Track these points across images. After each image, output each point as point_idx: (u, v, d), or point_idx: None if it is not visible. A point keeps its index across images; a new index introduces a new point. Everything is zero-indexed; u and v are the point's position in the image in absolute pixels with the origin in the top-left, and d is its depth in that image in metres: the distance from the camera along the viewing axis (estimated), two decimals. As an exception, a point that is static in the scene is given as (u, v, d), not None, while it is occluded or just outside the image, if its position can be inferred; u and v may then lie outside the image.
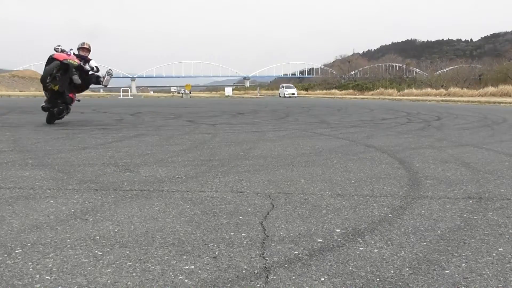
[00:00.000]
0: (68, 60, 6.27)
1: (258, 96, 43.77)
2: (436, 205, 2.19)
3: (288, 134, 5.72)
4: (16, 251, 1.53)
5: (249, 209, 2.08)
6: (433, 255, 1.53)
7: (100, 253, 1.51)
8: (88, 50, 6.92)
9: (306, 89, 60.05)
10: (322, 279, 1.33)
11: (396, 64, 74.18)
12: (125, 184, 2.60)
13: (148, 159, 3.50)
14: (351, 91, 49.24)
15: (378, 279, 1.33)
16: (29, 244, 1.59)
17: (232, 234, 1.73)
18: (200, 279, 1.33)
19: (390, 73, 63.77)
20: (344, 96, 40.35)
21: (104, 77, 7.06)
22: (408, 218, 1.96)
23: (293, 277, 1.34)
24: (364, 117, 9.50)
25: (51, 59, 6.26)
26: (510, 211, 2.10)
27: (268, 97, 41.33)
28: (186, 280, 1.32)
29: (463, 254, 1.54)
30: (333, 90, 53.39)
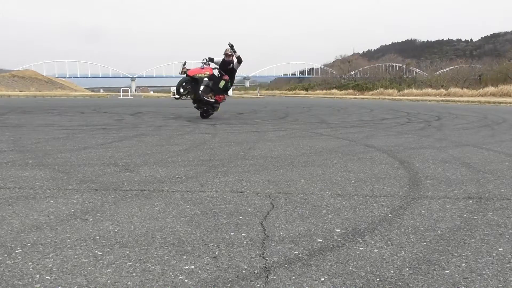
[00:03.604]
0: (198, 74, 7.80)
1: (258, 96, 43.73)
2: (436, 205, 2.19)
3: (288, 134, 5.72)
4: (16, 251, 1.53)
5: (249, 209, 2.08)
6: (433, 255, 1.53)
7: (100, 253, 1.51)
8: (230, 54, 8.11)
9: (306, 89, 59.99)
10: (322, 279, 1.33)
11: (396, 64, 74.17)
12: (125, 184, 2.60)
13: (148, 159, 3.50)
14: (351, 91, 49.19)
15: (378, 279, 1.33)
16: (29, 244, 1.59)
17: (232, 234, 1.73)
18: (200, 279, 1.33)
19: (390, 73, 63.70)
20: (344, 96, 40.32)
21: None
22: (408, 218, 1.96)
23: (293, 277, 1.34)
24: (364, 117, 9.50)
25: (185, 74, 7.85)
26: (510, 211, 2.10)
27: (268, 97, 41.33)
28: (186, 280, 1.32)
29: (463, 254, 1.54)
30: (333, 90, 53.32)
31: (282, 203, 2.21)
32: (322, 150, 4.15)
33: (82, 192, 2.38)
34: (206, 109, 8.45)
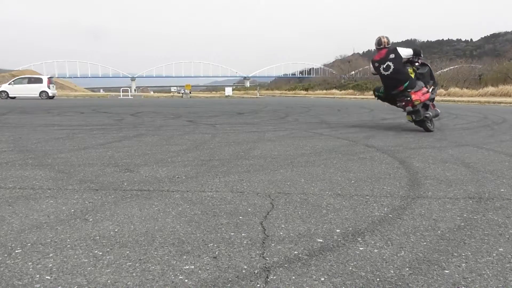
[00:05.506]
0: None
1: (258, 96, 43.71)
2: (436, 205, 2.19)
3: (288, 134, 5.72)
4: (16, 251, 1.53)
5: (249, 209, 2.08)
6: (433, 255, 1.53)
7: (100, 253, 1.51)
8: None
9: (306, 89, 59.98)
10: (322, 279, 1.33)
11: (396, 64, 73.92)
12: (125, 184, 2.60)
13: (148, 159, 3.50)
14: (351, 91, 49.15)
15: (378, 279, 1.33)
16: (29, 244, 1.59)
17: (232, 234, 1.73)
18: (200, 279, 1.33)
19: (390, 73, 63.50)
20: (344, 96, 40.30)
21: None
22: (408, 218, 1.96)
23: (293, 277, 1.34)
24: (364, 117, 9.50)
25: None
26: (510, 211, 2.10)
27: (268, 97, 41.33)
28: (186, 280, 1.32)
29: (463, 254, 1.54)
30: (333, 90, 53.29)
31: (282, 203, 2.21)
32: (322, 150, 4.15)
33: (82, 192, 2.38)
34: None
